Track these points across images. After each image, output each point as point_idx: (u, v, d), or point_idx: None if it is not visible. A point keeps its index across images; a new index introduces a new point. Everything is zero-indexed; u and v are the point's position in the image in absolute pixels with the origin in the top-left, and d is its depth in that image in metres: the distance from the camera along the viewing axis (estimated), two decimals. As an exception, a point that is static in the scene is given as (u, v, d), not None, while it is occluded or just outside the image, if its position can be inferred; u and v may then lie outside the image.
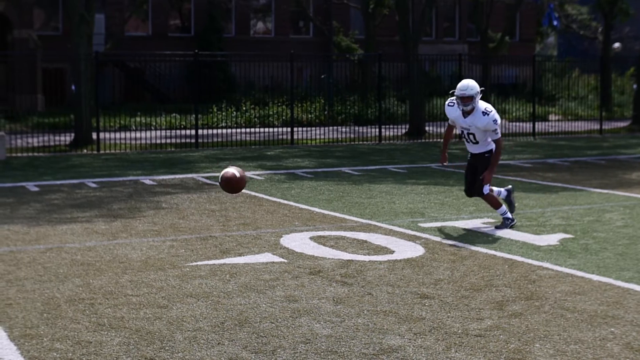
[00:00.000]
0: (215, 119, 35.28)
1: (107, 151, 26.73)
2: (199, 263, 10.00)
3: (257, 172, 19.94)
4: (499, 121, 11.97)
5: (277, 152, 25.77)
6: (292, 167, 21.14)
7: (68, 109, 34.88)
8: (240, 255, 10.47)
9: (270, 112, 36.47)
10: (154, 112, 34.95)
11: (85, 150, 26.98)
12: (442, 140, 30.44)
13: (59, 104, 43.19)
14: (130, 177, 19.10)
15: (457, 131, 12.69)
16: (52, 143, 28.67)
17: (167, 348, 6.89)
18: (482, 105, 11.98)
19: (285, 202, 15.10)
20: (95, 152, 26.59)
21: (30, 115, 36.62)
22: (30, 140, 29.00)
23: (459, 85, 11.93)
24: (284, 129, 32.84)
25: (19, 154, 25.54)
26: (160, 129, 30.74)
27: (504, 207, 12.40)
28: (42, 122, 34.13)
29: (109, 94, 44.22)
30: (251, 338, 7.12)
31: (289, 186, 17.35)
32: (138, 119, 33.35)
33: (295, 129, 29.98)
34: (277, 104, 37.06)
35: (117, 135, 29.41)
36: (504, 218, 12.31)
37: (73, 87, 30.35)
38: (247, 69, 34.39)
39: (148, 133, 29.83)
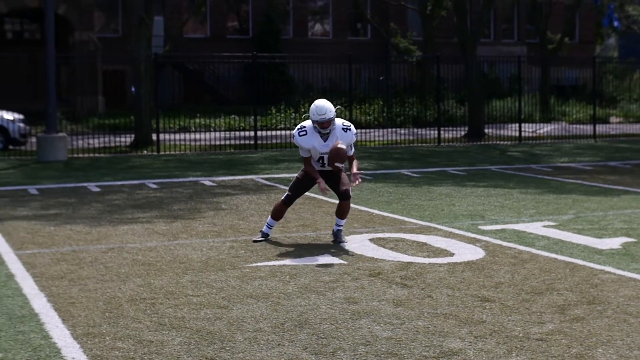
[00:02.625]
0: (274, 121, 35.39)
1: (167, 152, 26.92)
2: (259, 264, 10.03)
3: (316, 174, 19.94)
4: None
5: (336, 154, 25.75)
6: (351, 169, 21.12)
7: (128, 110, 35.23)
8: (300, 256, 10.48)
9: (329, 114, 36.44)
10: (213, 113, 35.12)
11: (145, 152, 27.21)
12: (501, 142, 30.25)
13: (119, 105, 43.62)
14: (190, 178, 19.22)
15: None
16: (112, 144, 28.96)
17: (227, 348, 6.91)
18: (338, 122, 11.46)
19: (344, 203, 15.08)
20: (155, 153, 26.80)
21: (91, 117, 37.01)
22: (91, 141, 29.30)
23: (317, 110, 11.07)
24: (342, 131, 32.79)
25: (80, 155, 25.82)
26: (220, 131, 30.89)
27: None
28: (102, 124, 34.48)
29: (168, 96, 44.51)
30: (311, 339, 7.13)
31: (348, 188, 17.33)
32: (197, 120, 33.56)
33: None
34: (335, 106, 37.03)
35: (177, 136, 29.64)
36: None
37: (133, 89, 30.63)
38: (305, 70, 34.45)
39: (207, 134, 29.99)
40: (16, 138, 28.93)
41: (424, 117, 36.43)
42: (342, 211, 11.51)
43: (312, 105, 11.22)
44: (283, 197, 11.46)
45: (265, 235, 11.56)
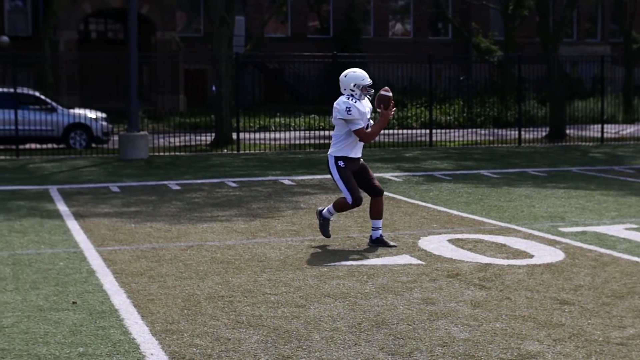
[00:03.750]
0: (353, 120, 35.35)
1: (247, 151, 27.08)
2: (337, 263, 10.03)
3: (395, 174, 19.91)
4: None
5: (416, 154, 25.70)
6: (431, 169, 21.05)
7: (209, 109, 35.51)
8: (378, 256, 10.46)
9: (409, 114, 36.37)
10: (293, 112, 35.22)
11: (225, 150, 27.41)
12: (583, 143, 29.84)
13: (200, 104, 43.99)
14: (270, 177, 19.31)
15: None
16: (193, 143, 29.23)
17: (304, 347, 6.93)
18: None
19: (424, 204, 15.03)
20: (235, 152, 26.98)
21: (173, 116, 37.40)
22: (172, 139, 29.60)
23: (363, 75, 11.06)
24: (423, 131, 32.71)
25: (161, 153, 26.10)
26: (299, 130, 30.98)
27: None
28: (183, 122, 34.83)
29: (248, 95, 44.81)
30: (388, 340, 7.11)
31: (427, 188, 17.27)
32: (277, 119, 33.70)
33: (434, 130, 29.83)
34: (416, 106, 36.93)
35: (257, 135, 29.81)
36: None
37: (214, 88, 30.88)
38: (385, 70, 34.35)
39: (287, 134, 30.10)
40: (99, 136, 29.37)
41: (505, 117, 36.10)
42: (378, 210, 11.21)
43: (355, 73, 11.09)
44: (352, 202, 11.18)
45: (322, 217, 11.29)
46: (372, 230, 11.22)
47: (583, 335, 7.19)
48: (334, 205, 11.20)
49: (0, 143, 28.55)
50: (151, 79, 49.08)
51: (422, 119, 35.24)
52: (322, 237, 11.63)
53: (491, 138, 31.73)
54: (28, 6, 51.75)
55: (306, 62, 41.70)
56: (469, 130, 33.54)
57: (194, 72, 49.40)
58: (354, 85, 11.01)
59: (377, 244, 11.10)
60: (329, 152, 11.19)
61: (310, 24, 56.71)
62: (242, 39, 50.23)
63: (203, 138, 30.10)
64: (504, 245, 11.19)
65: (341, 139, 11.05)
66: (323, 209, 11.31)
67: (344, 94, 11.06)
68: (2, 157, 25.63)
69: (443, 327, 7.43)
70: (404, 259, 10.30)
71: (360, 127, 10.98)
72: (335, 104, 11.02)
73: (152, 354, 6.77)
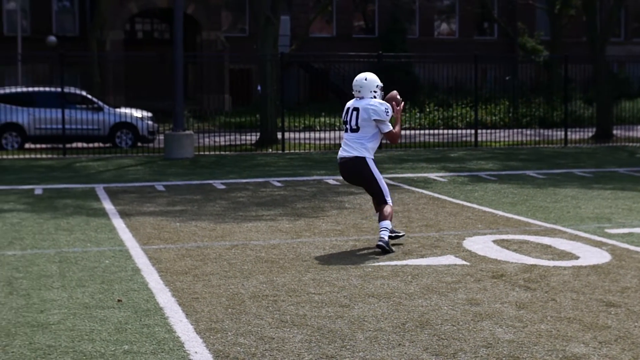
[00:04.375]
0: (398, 120, 35.29)
1: (292, 151, 27.12)
2: (381, 263, 10.02)
3: (440, 174, 19.85)
4: None
5: (461, 154, 25.60)
6: (476, 170, 20.95)
7: (254, 108, 35.59)
8: (422, 256, 10.43)
9: (454, 114, 36.26)
10: (338, 112, 35.18)
11: (270, 150, 27.47)
12: (630, 144, 29.56)
13: (245, 103, 44.12)
14: (314, 177, 19.32)
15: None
16: (238, 142, 29.32)
17: (348, 347, 6.92)
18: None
19: (469, 204, 14.97)
20: (280, 151, 27.03)
21: (218, 115, 37.54)
22: (217, 139, 29.71)
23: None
24: (468, 131, 32.58)
25: (207, 153, 26.21)
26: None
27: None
28: (228, 122, 34.94)
29: (294, 95, 44.84)
30: (432, 340, 7.09)
31: (472, 188, 17.20)
32: (322, 119, 33.72)
33: (479, 131, 29.69)
34: (461, 106, 36.80)
35: (302, 135, 29.84)
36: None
37: (259, 88, 30.95)
38: (430, 70, 34.30)
39: (332, 133, 30.10)
40: (144, 135, 29.57)
41: (551, 117, 35.87)
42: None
43: (372, 75, 11.10)
44: (391, 201, 11.12)
45: (386, 239, 10.82)
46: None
47: (629, 338, 7.12)
48: (383, 220, 10.86)
49: (48, 142, 28.84)
50: (197, 78, 49.32)
51: (468, 119, 35.11)
52: (367, 237, 11.64)
53: (537, 138, 31.53)
54: (75, 6, 52.20)
55: (351, 62, 41.63)
56: (515, 130, 33.34)
57: (239, 71, 49.54)
58: (377, 87, 11.02)
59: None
60: (361, 155, 10.93)
61: (355, 24, 56.68)
62: (287, 39, 50.33)
63: (248, 137, 30.19)
64: (550, 246, 11.11)
65: (371, 140, 11.00)
66: (383, 238, 10.72)
67: (364, 97, 10.97)
68: (50, 156, 25.87)
69: (487, 328, 7.40)
70: (449, 259, 10.26)
71: (390, 128, 10.96)
72: (368, 105, 10.88)
73: (196, 352, 6.80)
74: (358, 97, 10.98)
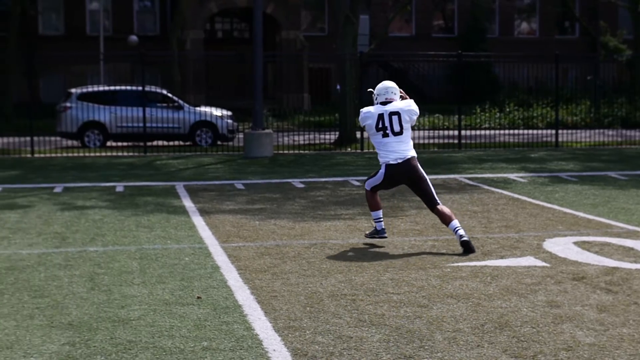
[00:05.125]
0: (478, 120, 35.10)
1: (371, 150, 27.07)
2: (460, 264, 9.96)
3: (520, 175, 19.66)
4: (360, 118, 11.30)
5: (541, 155, 25.32)
6: (556, 170, 20.71)
7: (333, 108, 35.61)
8: (501, 257, 10.35)
9: (534, 114, 35.88)
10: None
11: (349, 149, 27.47)
12: None
13: (324, 103, 44.15)
14: (392, 176, 19.25)
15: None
16: (317, 141, 29.36)
17: (426, 347, 6.89)
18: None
19: (549, 205, 14.80)
20: (359, 150, 27.02)
21: (297, 114, 37.64)
22: (296, 138, 29.79)
23: None
24: (548, 131, 32.20)
25: (286, 151, 26.30)
26: (423, 129, 30.83)
27: (380, 213, 11.36)
28: (307, 121, 35.00)
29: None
30: (511, 342, 7.02)
31: (553, 189, 17.00)
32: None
33: (560, 131, 29.34)
34: (542, 106, 36.40)
35: (380, 134, 29.73)
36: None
37: (338, 87, 30.96)
38: (510, 69, 34.01)
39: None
40: (224, 134, 29.76)
41: (634, 118, 35.29)
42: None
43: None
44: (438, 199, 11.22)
45: (465, 238, 10.87)
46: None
47: None
48: (451, 221, 10.89)
49: (129, 140, 29.20)
50: (276, 77, 49.53)
51: (548, 119, 34.71)
52: (446, 237, 11.59)
53: (619, 139, 31.05)
54: (156, 6, 52.77)
55: (430, 62, 41.53)
56: (596, 130, 32.87)
57: (318, 70, 49.64)
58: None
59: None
60: (412, 155, 11.07)
61: (434, 23, 56.44)
62: (367, 38, 50.29)
63: (327, 137, 30.22)
64: (632, 249, 10.94)
65: (410, 140, 11.16)
66: (464, 237, 10.76)
67: (392, 100, 11.10)
68: (131, 154, 26.19)
69: (568, 331, 7.31)
70: (529, 260, 10.15)
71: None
72: (410, 106, 11.08)
73: (274, 350, 6.83)
74: (380, 103, 11.11)
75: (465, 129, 31.10)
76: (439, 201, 11.13)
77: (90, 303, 8.26)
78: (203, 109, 30.45)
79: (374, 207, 11.31)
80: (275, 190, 17.04)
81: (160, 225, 12.78)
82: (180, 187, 17.52)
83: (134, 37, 47.02)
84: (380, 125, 10.95)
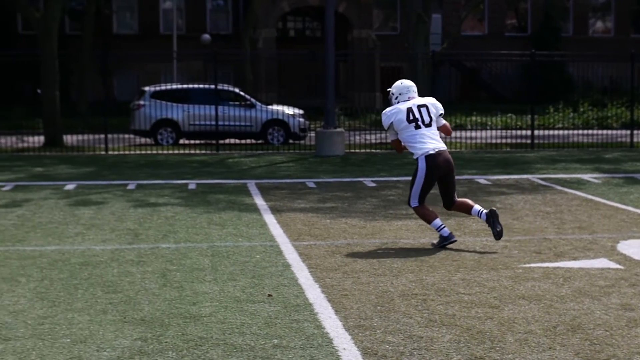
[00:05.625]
0: (551, 120, 34.76)
1: (441, 149, 26.94)
2: (532, 265, 9.86)
3: (594, 175, 19.42)
4: (384, 120, 11.11)
5: (616, 155, 24.98)
6: (632, 171, 20.41)
7: (404, 107, 35.46)
8: (574, 259, 10.23)
9: (609, 114, 35.42)
10: (489, 111, 34.86)
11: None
12: None
13: (396, 102, 44.01)
14: (465, 176, 19.15)
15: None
16: (388, 140, 29.26)
17: (497, 348, 6.84)
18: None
19: (624, 206, 14.59)
20: (429, 150, 26.88)
21: (368, 113, 37.60)
22: (367, 137, 29.76)
23: None
24: (623, 132, 31.76)
25: (357, 150, 26.29)
26: (496, 129, 30.63)
27: (438, 221, 11.14)
28: (379, 120, 34.88)
29: (445, 93, 44.58)
30: (584, 345, 6.94)
31: (628, 190, 16.76)
32: (473, 118, 33.43)
33: (635, 131, 28.93)
34: (616, 106, 35.93)
35: (452, 134, 29.55)
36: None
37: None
38: (585, 69, 33.66)
39: (483, 132, 29.80)
40: (296, 132, 29.85)
41: None
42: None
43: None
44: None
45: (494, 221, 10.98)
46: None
47: None
48: (471, 207, 11.23)
49: (202, 138, 29.41)
50: (348, 76, 49.56)
51: (623, 120, 34.23)
52: (518, 237, 11.51)
53: (696, 140, 30.52)
54: (229, 5, 53.14)
55: (503, 61, 41.24)
56: (673, 131, 32.35)
57: (390, 69, 49.56)
58: None
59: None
60: (446, 149, 11.18)
61: (507, 22, 56.03)
62: (439, 37, 50.12)
63: (398, 136, 30.08)
64: None
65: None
66: (487, 211, 11.08)
67: (414, 97, 11.18)
68: (203, 152, 26.39)
69: (643, 334, 7.21)
70: (602, 262, 10.02)
71: (445, 122, 11.47)
72: (432, 102, 11.27)
73: (344, 349, 6.83)
74: (404, 100, 11.11)
75: (538, 129, 30.81)
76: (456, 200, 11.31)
77: (162, 299, 8.34)
78: (275, 107, 30.57)
79: (430, 218, 11.12)
80: (347, 189, 17.04)
81: (231, 222, 12.85)
82: (251, 185, 17.61)
83: (206, 36, 47.40)
84: (411, 117, 10.96)
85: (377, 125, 32.60)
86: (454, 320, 7.61)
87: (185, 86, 31.32)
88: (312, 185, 17.70)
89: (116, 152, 26.14)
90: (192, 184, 17.76)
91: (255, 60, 45.08)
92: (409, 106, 11.00)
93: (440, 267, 9.73)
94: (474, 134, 29.43)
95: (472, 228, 12.35)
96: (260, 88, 45.38)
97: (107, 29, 50.17)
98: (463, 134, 29.48)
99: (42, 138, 28.24)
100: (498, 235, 10.88)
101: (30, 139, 29.80)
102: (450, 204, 11.31)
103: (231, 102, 29.62)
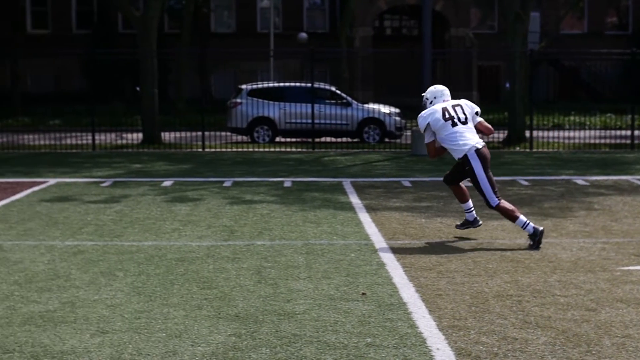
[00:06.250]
0: (652, 120, 34.11)
1: (540, 150, 26.67)
2: (631, 268, 9.68)
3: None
4: (420, 122, 11.23)
5: None
6: None
7: (501, 106, 35.23)
8: (675, 262, 10.02)
9: None
10: (588, 111, 34.34)
11: (517, 148, 27.11)
12: None
13: (493, 101, 43.74)
14: (563, 177, 18.91)
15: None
16: (485, 140, 29.03)
17: (593, 352, 6.73)
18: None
19: None
20: (527, 150, 26.63)
21: (465, 112, 37.34)
22: (463, 136, 29.52)
23: None
24: None
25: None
26: (594, 129, 30.18)
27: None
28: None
29: (543, 93, 44.11)
30: (684, 350, 6.80)
31: None
32: (572, 117, 32.97)
33: None
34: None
35: (550, 133, 29.26)
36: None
37: (507, 85, 30.59)
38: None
39: (582, 132, 29.38)
40: (392, 131, 29.80)
41: None
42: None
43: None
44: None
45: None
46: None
47: None
48: (465, 200, 11.72)
49: (297, 136, 29.54)
50: (444, 75, 49.32)
51: None
52: (616, 239, 11.33)
53: None
54: (326, 4, 53.28)
55: (603, 60, 40.57)
56: None
57: (488, 68, 49.20)
58: None
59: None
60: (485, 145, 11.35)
61: (607, 20, 55.10)
62: (537, 36, 49.52)
63: (495, 135, 29.87)
64: None
65: None
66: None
67: (448, 100, 11.42)
68: (299, 150, 26.51)
69: None
70: None
71: (481, 119, 11.59)
72: (468, 102, 11.54)
73: (438, 349, 6.79)
74: (438, 102, 11.33)
75: (639, 129, 30.24)
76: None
77: (257, 296, 8.39)
78: (371, 106, 30.56)
79: (515, 214, 11.14)
80: (443, 188, 16.91)
81: (326, 220, 12.88)
82: (347, 183, 17.63)
83: (303, 34, 47.57)
84: (447, 115, 11.10)
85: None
86: (549, 322, 7.51)
87: (281, 84, 31.49)
88: (407, 184, 17.66)
89: (213, 150, 26.41)
90: (287, 182, 17.86)
91: (352, 58, 45.15)
92: (443, 106, 11.20)
93: (536, 269, 9.61)
94: (572, 133, 29.03)
95: (570, 229, 12.19)
96: (356, 86, 45.43)
97: (205, 27, 50.70)
98: (561, 133, 29.11)
99: (140, 135, 28.69)
100: (461, 227, 11.68)
101: (129, 135, 30.31)
102: (452, 182, 11.66)
103: (327, 101, 29.68)
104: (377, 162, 22.51)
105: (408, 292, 8.52)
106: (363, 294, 8.47)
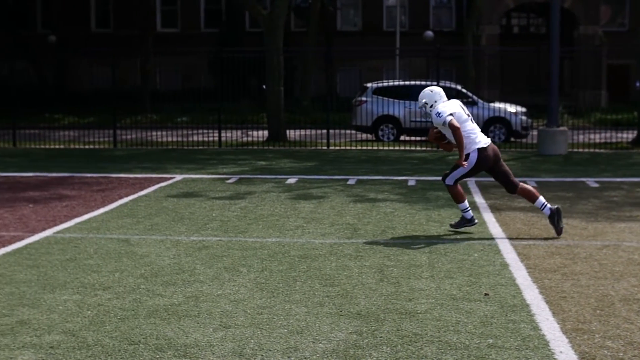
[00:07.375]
0: None
1: (670, 150, 26.03)
2: None
3: None
4: (444, 114, 11.47)
5: None
6: None
7: (632, 105, 34.48)
8: None
9: None
10: None
11: (646, 149, 26.53)
12: None
13: (623, 100, 42.86)
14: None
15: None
16: (613, 140, 28.52)
17: None
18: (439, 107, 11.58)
19: None
20: (657, 150, 26.03)
21: (593, 111, 36.72)
22: (591, 136, 29.06)
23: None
24: None
25: (580, 150, 25.70)
26: None
27: (466, 203, 11.91)
28: (604, 119, 34.07)
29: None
30: None
31: None
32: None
33: None
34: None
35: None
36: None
37: (637, 84, 29.95)
38: None
39: None
40: (517, 130, 29.46)
41: None
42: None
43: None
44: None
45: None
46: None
47: None
48: (535, 198, 11.75)
49: (422, 135, 29.39)
50: (572, 73, 48.53)
51: None
52: None
53: None
54: (452, 2, 53.03)
55: None
56: None
57: (618, 67, 48.21)
58: None
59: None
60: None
61: None
62: (670, 34, 48.26)
63: (625, 135, 29.28)
64: None
65: None
66: (552, 207, 11.59)
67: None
68: (423, 148, 26.42)
69: None
70: None
71: None
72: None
73: (561, 352, 6.69)
74: (444, 101, 11.78)
75: None
76: (518, 182, 11.89)
77: (379, 294, 8.40)
78: (497, 104, 30.26)
79: (460, 199, 11.82)
80: (568, 189, 16.68)
81: (450, 220, 12.80)
82: (471, 182, 17.48)
83: (429, 33, 47.41)
84: (467, 113, 11.68)
85: (602, 125, 31.82)
86: (678, 327, 7.33)
87: (407, 83, 31.41)
88: (532, 184, 17.42)
89: (337, 148, 26.52)
90: (411, 181, 17.81)
91: (478, 57, 44.79)
92: (458, 104, 11.77)
93: (665, 272, 9.39)
94: None
95: (701, 232, 11.86)
96: (482, 85, 45.05)
97: (330, 25, 50.95)
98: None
99: (265, 132, 28.98)
100: (559, 233, 11.49)
101: (255, 133, 30.65)
102: (513, 188, 11.85)
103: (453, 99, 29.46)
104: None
105: (531, 294, 8.42)
106: (486, 294, 8.40)
